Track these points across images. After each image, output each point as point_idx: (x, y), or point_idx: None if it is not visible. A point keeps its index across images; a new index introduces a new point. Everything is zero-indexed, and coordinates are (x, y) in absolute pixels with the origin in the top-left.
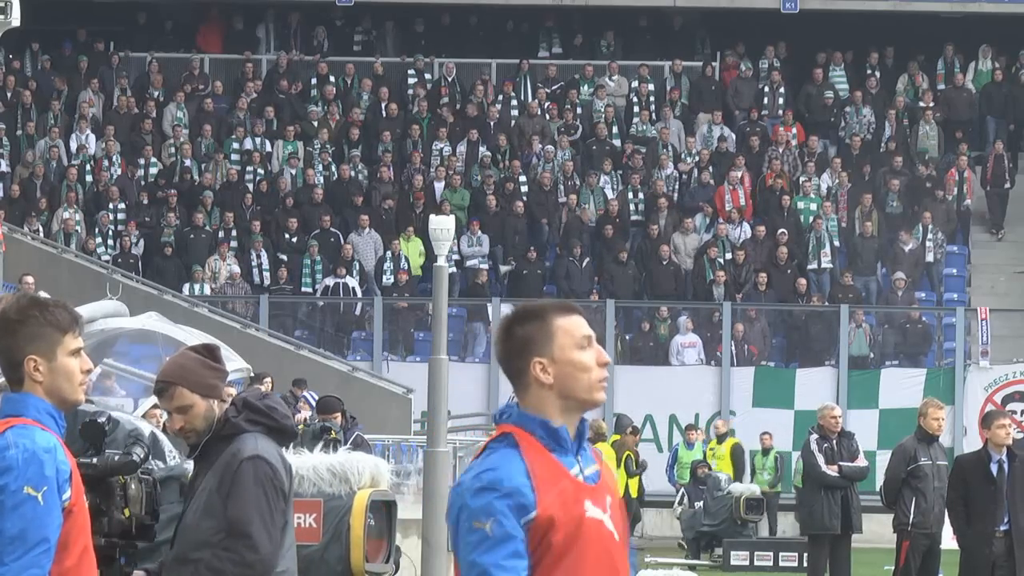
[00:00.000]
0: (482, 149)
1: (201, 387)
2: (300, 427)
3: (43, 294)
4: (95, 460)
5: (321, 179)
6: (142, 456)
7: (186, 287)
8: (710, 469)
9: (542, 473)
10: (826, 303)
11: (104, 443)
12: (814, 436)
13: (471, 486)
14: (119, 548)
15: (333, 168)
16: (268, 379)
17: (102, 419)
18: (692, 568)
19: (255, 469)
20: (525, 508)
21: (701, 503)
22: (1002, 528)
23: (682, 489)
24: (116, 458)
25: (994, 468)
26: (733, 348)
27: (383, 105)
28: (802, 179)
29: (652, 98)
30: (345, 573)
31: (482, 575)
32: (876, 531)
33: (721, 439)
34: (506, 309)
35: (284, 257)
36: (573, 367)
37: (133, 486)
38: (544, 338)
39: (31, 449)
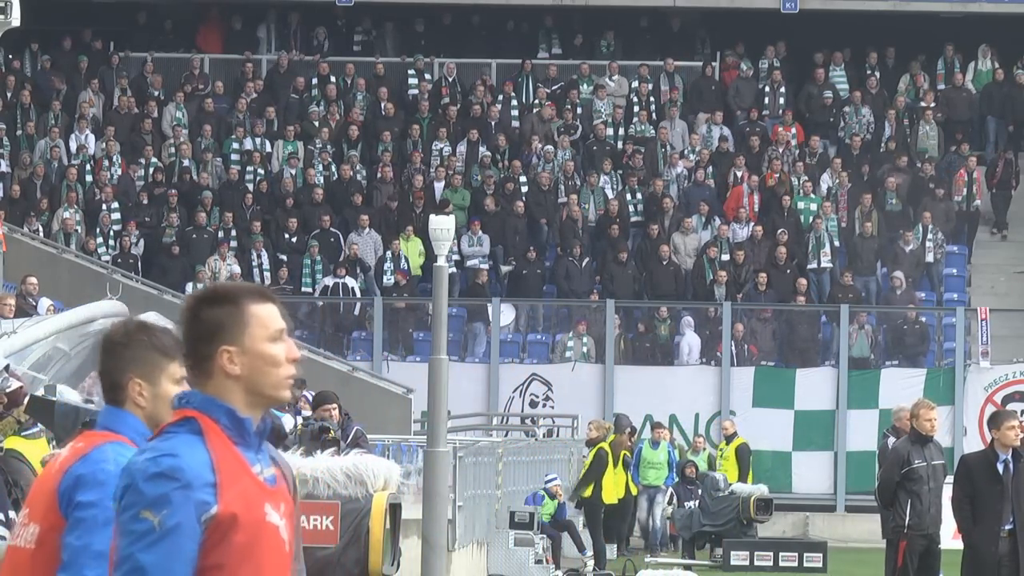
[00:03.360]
0: (482, 149)
1: None
2: (299, 427)
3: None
4: None
5: (321, 179)
6: None
7: (188, 287)
8: (697, 469)
9: (226, 466)
10: (824, 302)
11: None
12: (892, 439)
13: (145, 469)
14: None
15: (333, 168)
16: None
17: None
18: (689, 568)
19: None
20: (206, 503)
21: (695, 503)
22: (1007, 527)
23: (669, 488)
24: None
25: (1000, 467)
26: (733, 348)
27: (383, 105)
28: (802, 179)
29: (652, 98)
30: (362, 575)
31: (137, 571)
32: (876, 531)
33: (729, 440)
34: (506, 309)
35: (284, 257)
36: (264, 360)
37: None
38: (236, 325)
39: None
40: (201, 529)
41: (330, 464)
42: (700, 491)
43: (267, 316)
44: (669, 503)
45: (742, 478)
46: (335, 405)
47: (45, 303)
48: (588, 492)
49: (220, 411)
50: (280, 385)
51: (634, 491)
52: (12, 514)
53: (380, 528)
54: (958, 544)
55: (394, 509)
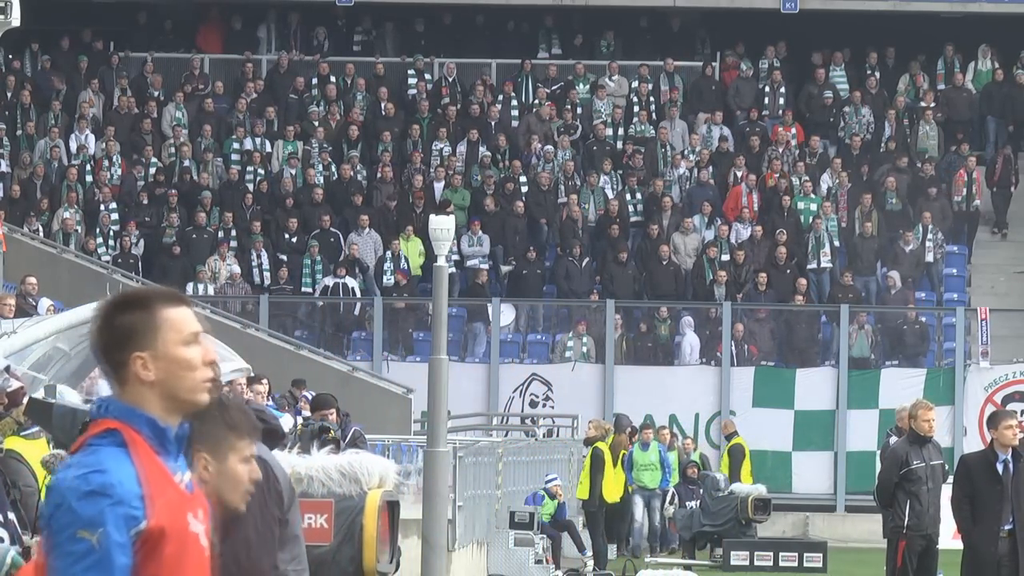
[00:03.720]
0: (482, 149)
1: None
2: (299, 427)
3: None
4: None
5: (321, 179)
6: None
7: (189, 287)
8: (700, 469)
9: (152, 479)
10: (824, 302)
11: None
12: (895, 439)
13: (77, 487)
14: None
15: (333, 168)
16: (265, 380)
17: None
18: (689, 568)
19: None
20: (135, 519)
21: (696, 503)
22: (1006, 527)
23: (671, 489)
24: None
25: (1000, 467)
26: (733, 348)
27: (383, 105)
28: (802, 179)
29: (652, 98)
30: (357, 574)
31: None
32: (876, 531)
33: (729, 439)
34: (506, 309)
35: (284, 257)
36: (178, 365)
37: None
38: (148, 331)
39: None
40: (131, 543)
41: (325, 462)
42: (701, 491)
43: (180, 320)
44: (671, 503)
45: (734, 478)
46: (333, 410)
47: (45, 303)
48: (585, 492)
49: (142, 421)
50: (197, 389)
51: (620, 490)
52: (11, 515)
53: (373, 525)
54: (958, 544)
55: (392, 507)
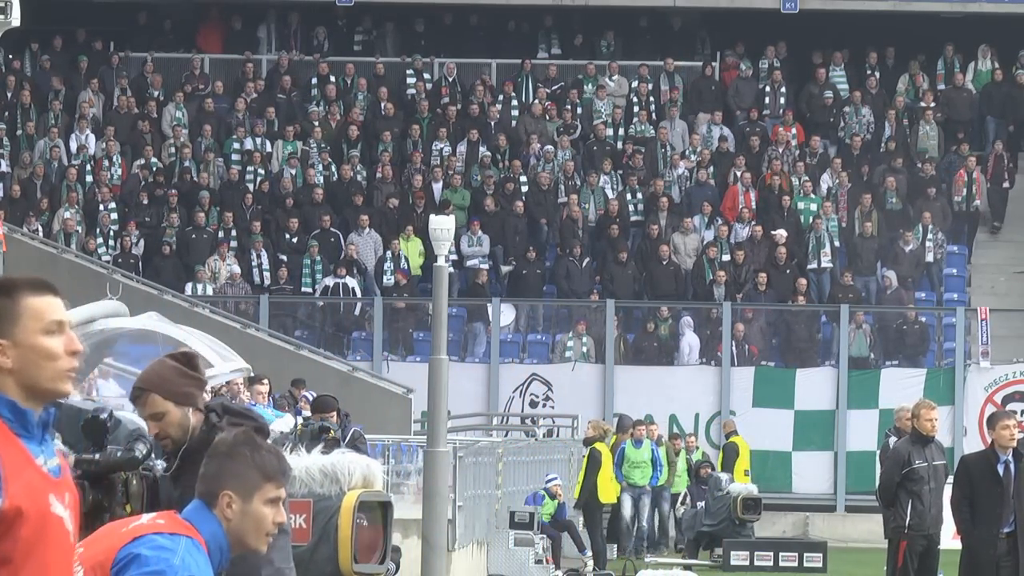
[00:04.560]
0: (482, 149)
1: (175, 395)
2: (299, 427)
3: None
4: (97, 456)
5: (321, 179)
6: (144, 452)
7: (188, 287)
8: (712, 469)
9: (9, 460)
10: (824, 302)
11: (106, 439)
12: (894, 439)
13: None
14: None
15: (333, 168)
16: (265, 380)
17: (104, 415)
18: (689, 568)
19: None
20: None
21: (703, 503)
22: (1006, 530)
23: (684, 489)
24: (119, 454)
25: (1000, 469)
26: (733, 348)
27: (383, 105)
28: (802, 179)
29: (652, 98)
30: (335, 573)
31: None
32: (876, 531)
33: (728, 437)
34: (506, 309)
35: (284, 257)
36: (37, 353)
37: (135, 482)
38: (7, 318)
39: (192, 574)
40: None
41: (309, 462)
42: (705, 491)
43: (42, 308)
44: (682, 503)
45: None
46: (334, 412)
47: None
48: (577, 491)
49: (0, 404)
50: (57, 378)
51: (617, 490)
52: None
53: (348, 525)
54: (958, 544)
55: (383, 507)
